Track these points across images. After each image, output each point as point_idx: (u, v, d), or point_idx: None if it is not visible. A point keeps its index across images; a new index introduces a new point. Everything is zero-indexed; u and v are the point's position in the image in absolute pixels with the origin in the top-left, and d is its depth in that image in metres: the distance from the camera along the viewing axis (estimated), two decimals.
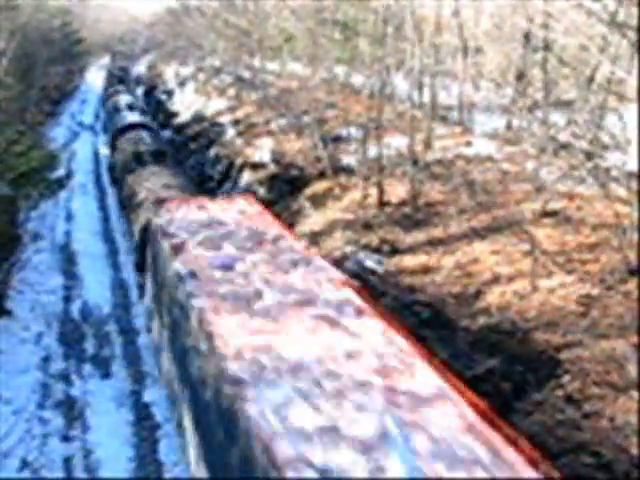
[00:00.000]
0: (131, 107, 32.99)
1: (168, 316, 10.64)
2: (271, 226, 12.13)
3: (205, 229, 11.76)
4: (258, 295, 9.06)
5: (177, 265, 10.16)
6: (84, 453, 10.72)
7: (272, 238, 11.38)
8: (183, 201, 13.75)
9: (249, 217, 12.66)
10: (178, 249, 10.79)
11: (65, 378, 12.85)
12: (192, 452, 8.83)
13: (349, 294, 9.21)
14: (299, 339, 7.94)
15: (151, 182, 17.92)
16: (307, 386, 7.07)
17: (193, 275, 9.64)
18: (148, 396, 12.25)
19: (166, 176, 18.68)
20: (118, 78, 56.35)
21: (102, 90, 52.13)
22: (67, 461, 10.56)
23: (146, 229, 13.62)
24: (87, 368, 13.23)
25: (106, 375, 12.99)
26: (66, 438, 11.08)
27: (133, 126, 26.68)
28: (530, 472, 6.05)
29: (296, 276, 9.71)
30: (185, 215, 12.65)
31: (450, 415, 6.70)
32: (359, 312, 8.73)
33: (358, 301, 9.02)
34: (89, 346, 14.10)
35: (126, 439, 11.06)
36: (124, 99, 36.13)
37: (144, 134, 24.94)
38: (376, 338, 8.11)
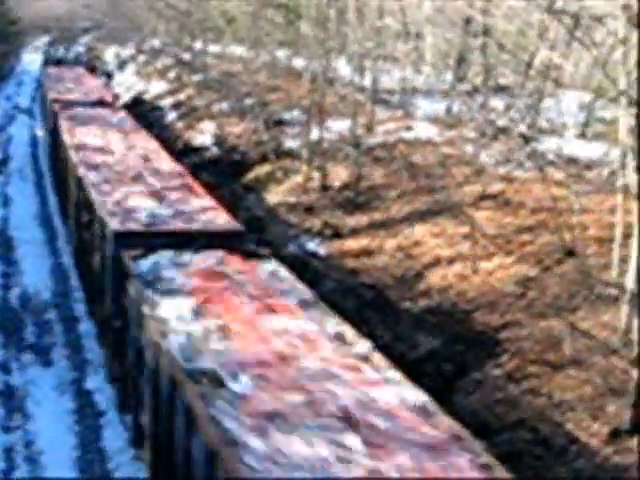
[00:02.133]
0: None
1: None
2: None
3: None
4: None
5: None
6: (25, 443, 10.57)
7: None
8: None
9: None
10: None
11: (4, 367, 12.62)
12: None
13: None
14: None
15: None
16: None
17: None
18: (90, 383, 12.12)
19: None
20: (56, 59, 55.07)
21: (39, 72, 50.87)
22: (8, 451, 10.39)
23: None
24: (27, 357, 13.01)
25: (47, 363, 12.80)
26: (6, 428, 10.90)
27: None
28: None
29: None
30: None
31: None
32: None
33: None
34: (29, 334, 13.86)
35: (68, 427, 10.94)
36: None
37: None
38: None
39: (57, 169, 21.58)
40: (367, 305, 12.62)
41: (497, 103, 17.60)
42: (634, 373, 8.29)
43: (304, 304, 8.54)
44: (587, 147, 16.28)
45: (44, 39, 74.85)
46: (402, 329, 11.73)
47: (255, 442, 5.56)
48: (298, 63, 26.93)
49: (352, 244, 14.71)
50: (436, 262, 13.17)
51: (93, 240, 12.94)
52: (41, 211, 21.88)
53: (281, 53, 30.21)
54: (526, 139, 13.90)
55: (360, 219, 15.67)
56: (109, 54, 52.40)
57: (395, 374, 6.79)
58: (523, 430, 8.97)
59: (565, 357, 9.80)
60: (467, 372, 10.35)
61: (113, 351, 11.34)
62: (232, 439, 5.59)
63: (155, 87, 35.84)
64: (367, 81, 22.24)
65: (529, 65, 16.28)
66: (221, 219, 11.84)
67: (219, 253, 10.18)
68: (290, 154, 20.25)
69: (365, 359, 7.13)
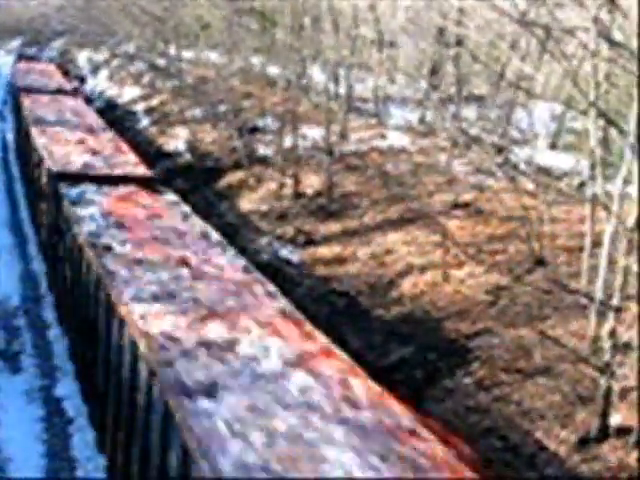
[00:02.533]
0: None
1: None
2: None
3: None
4: None
5: None
6: None
7: None
8: None
9: None
10: None
11: None
12: None
13: None
14: None
15: None
16: None
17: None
18: (60, 390, 12.00)
19: None
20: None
21: (10, 75, 50.30)
22: None
23: None
24: None
25: (15, 370, 12.65)
26: None
27: None
28: None
29: None
30: None
31: None
32: None
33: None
34: None
35: (37, 435, 10.81)
36: None
37: None
38: None
39: (20, 147, 25.44)
40: (339, 312, 12.65)
41: (470, 113, 17.76)
42: (602, 381, 8.39)
43: (185, 215, 12.60)
44: (558, 157, 16.48)
45: (15, 42, 74.05)
46: (374, 337, 11.77)
47: (124, 272, 9.63)
48: (272, 70, 26.94)
49: (325, 251, 14.73)
50: (408, 270, 13.23)
51: (42, 184, 16.83)
52: (11, 217, 21.62)
53: (255, 60, 30.19)
54: (498, 149, 14.04)
55: (333, 226, 15.70)
56: (82, 58, 51.99)
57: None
58: (493, 438, 9.03)
59: (535, 365, 9.89)
60: (438, 380, 10.40)
61: (50, 263, 15.62)
62: (111, 272, 9.62)
63: (128, 92, 35.64)
64: (341, 89, 22.31)
65: (501, 76, 16.45)
66: (140, 169, 15.63)
67: (131, 187, 13.89)
68: (263, 161, 20.24)
69: (205, 236, 11.58)
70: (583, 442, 8.49)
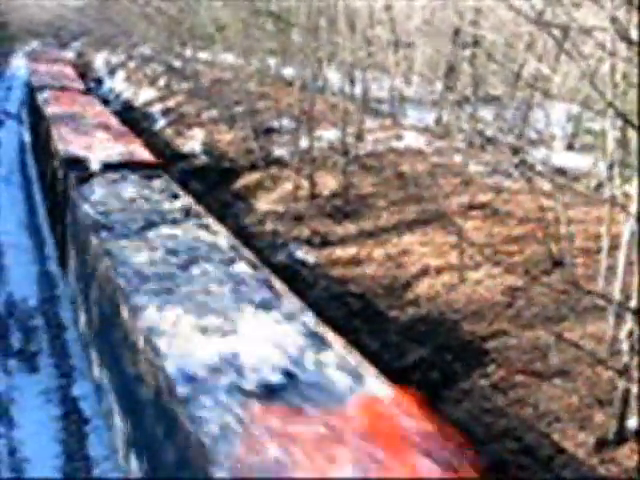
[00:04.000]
0: None
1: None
2: None
3: None
4: None
5: None
6: (9, 450, 10.50)
7: None
8: None
9: None
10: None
11: None
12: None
13: None
14: None
15: None
16: None
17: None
18: (76, 390, 12.06)
19: None
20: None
21: (28, 77, 50.65)
22: None
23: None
24: (13, 363, 12.94)
25: (33, 370, 12.73)
26: None
27: None
28: None
29: None
30: None
31: None
32: None
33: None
34: (15, 340, 13.79)
35: (53, 435, 10.87)
36: None
37: None
38: None
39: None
40: (355, 314, 12.63)
41: (486, 113, 17.69)
42: (620, 384, 8.32)
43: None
44: (575, 158, 16.38)
45: (34, 44, 74.57)
46: (390, 338, 11.74)
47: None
48: (288, 71, 26.97)
49: (340, 253, 14.71)
50: (424, 271, 13.19)
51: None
52: (30, 218, 21.77)
53: (271, 61, 30.24)
54: (514, 150, 13.97)
55: (349, 228, 15.68)
56: (99, 60, 52.28)
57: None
58: (510, 440, 8.98)
59: (552, 367, 9.83)
60: (454, 381, 10.36)
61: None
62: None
63: (145, 94, 35.79)
64: (357, 90, 22.29)
65: (518, 76, 16.36)
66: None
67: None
68: (279, 162, 20.26)
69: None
70: (600, 445, 8.43)
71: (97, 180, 14.14)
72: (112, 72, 45.56)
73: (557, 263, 12.11)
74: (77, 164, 14.90)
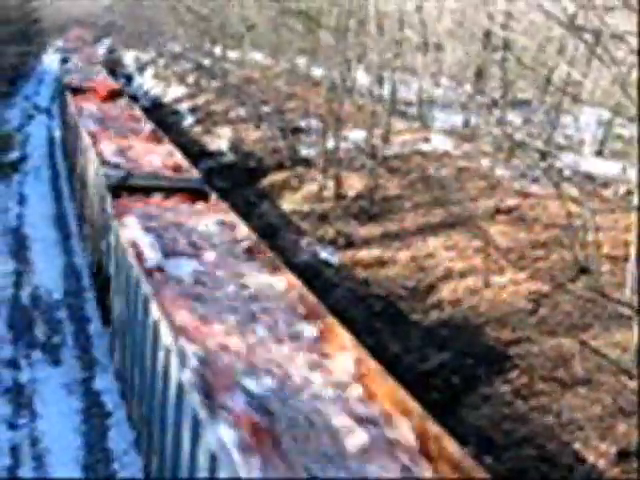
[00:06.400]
0: None
1: None
2: None
3: None
4: None
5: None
6: (31, 441, 10.60)
7: None
8: None
9: None
10: None
11: (14, 364, 12.66)
12: None
13: None
14: None
15: None
16: None
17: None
18: (99, 384, 12.15)
19: None
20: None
21: (59, 72, 51.20)
22: (14, 449, 10.42)
23: None
24: (36, 354, 13.06)
25: (56, 362, 12.84)
26: (13, 426, 10.93)
27: None
28: None
29: None
30: None
31: None
32: None
33: None
34: (39, 332, 13.92)
35: (75, 427, 10.96)
36: None
37: None
38: None
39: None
40: (377, 316, 12.59)
41: (515, 117, 17.57)
42: None
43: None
44: (604, 165, 16.21)
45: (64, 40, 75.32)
46: (412, 341, 11.69)
47: None
48: (317, 71, 26.98)
49: (365, 254, 14.68)
50: (448, 275, 13.12)
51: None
52: (56, 211, 21.99)
53: (300, 61, 30.26)
54: (543, 154, 13.85)
55: (373, 229, 15.65)
56: (129, 57, 52.67)
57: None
58: (530, 447, 8.91)
59: (575, 375, 9.74)
60: (476, 387, 10.30)
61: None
62: None
63: (174, 91, 36.00)
64: (385, 91, 22.24)
65: (548, 80, 16.23)
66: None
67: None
68: (306, 162, 20.27)
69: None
70: (622, 455, 8.33)
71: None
72: (141, 69, 45.87)
73: (583, 270, 11.99)
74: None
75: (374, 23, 19.67)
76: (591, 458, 8.46)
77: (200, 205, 12.79)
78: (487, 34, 19.13)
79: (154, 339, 8.35)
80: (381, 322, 12.35)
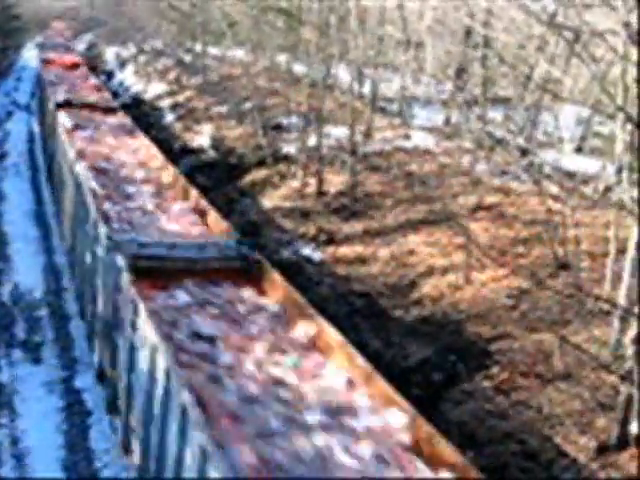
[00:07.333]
0: None
1: None
2: None
3: None
4: None
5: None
6: (12, 440, 10.53)
7: None
8: None
9: None
10: None
11: None
12: None
13: None
14: None
15: None
16: None
17: None
18: (79, 382, 12.08)
19: None
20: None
21: (38, 68, 50.72)
22: None
23: None
24: (17, 353, 12.97)
25: (36, 361, 12.76)
26: None
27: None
28: None
29: None
30: None
31: None
32: None
33: None
34: (19, 331, 13.81)
35: (56, 426, 10.90)
36: None
37: None
38: None
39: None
40: (359, 312, 12.62)
41: (495, 115, 17.64)
42: (623, 389, 8.30)
43: None
44: (583, 162, 16.32)
45: (44, 36, 74.58)
46: (393, 337, 11.73)
47: None
48: (298, 68, 26.96)
49: (346, 251, 14.70)
50: (429, 272, 13.17)
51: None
52: (36, 208, 21.82)
53: (281, 58, 30.20)
54: (523, 152, 13.93)
55: (355, 226, 15.67)
56: (110, 53, 52.33)
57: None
58: (511, 442, 8.97)
59: (555, 371, 9.81)
60: (457, 382, 10.35)
61: None
62: None
63: (155, 88, 35.82)
64: (366, 89, 22.25)
65: (528, 78, 16.31)
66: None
67: None
68: (287, 159, 20.25)
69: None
70: (602, 449, 8.41)
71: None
72: (122, 65, 45.59)
73: (563, 266, 12.08)
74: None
75: (355, 20, 19.66)
76: (571, 452, 8.53)
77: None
78: (468, 32, 19.19)
79: None
80: (362, 318, 12.37)
